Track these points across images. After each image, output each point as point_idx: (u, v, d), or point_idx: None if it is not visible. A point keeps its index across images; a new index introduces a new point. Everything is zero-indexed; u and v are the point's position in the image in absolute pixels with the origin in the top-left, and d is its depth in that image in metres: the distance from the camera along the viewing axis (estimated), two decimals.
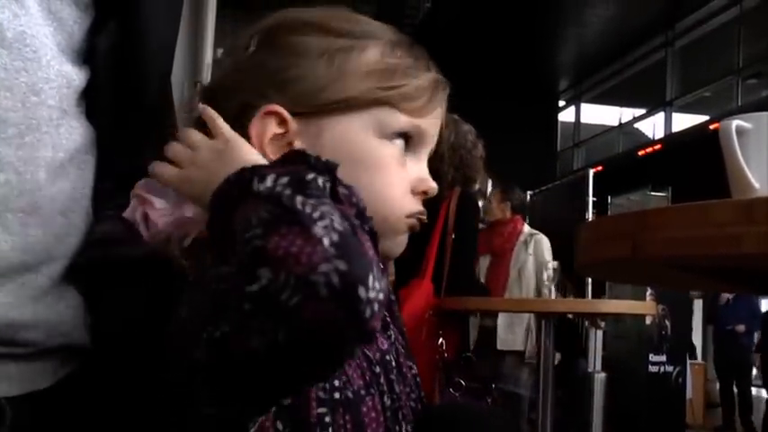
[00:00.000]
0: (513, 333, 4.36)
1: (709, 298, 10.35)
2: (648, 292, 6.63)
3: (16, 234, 0.70)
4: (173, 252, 0.75)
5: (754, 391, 9.53)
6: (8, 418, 0.72)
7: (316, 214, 0.58)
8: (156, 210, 0.77)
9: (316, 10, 0.85)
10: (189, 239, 0.75)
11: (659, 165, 10.99)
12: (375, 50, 0.82)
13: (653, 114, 13.84)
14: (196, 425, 0.67)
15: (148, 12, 0.83)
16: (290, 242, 0.57)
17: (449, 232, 2.99)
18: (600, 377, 5.51)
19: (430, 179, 0.85)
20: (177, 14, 0.90)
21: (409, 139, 0.83)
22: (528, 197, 10.51)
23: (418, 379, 0.89)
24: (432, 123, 0.85)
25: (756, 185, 0.81)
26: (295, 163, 0.66)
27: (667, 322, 7.31)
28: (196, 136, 0.77)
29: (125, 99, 0.83)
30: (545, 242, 4.68)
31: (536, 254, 4.58)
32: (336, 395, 0.74)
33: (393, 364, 0.83)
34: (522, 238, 4.69)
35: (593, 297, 6.77)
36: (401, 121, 0.82)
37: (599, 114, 15.61)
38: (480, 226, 4.09)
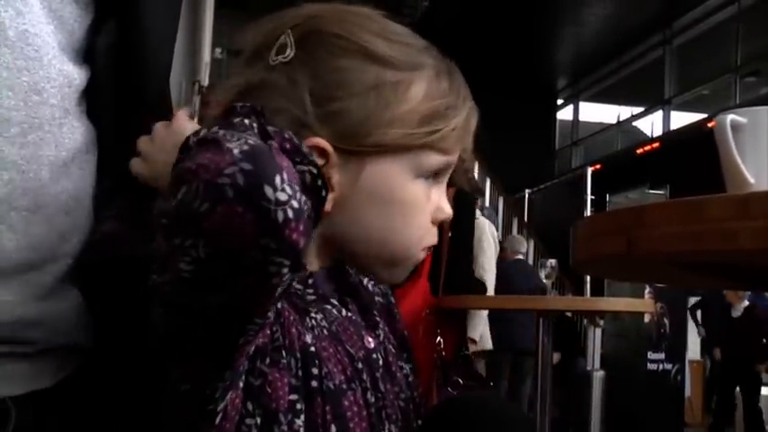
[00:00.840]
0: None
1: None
2: (647, 289, 6.64)
3: (21, 232, 0.71)
4: None
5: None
6: (12, 418, 0.72)
7: (232, 136, 0.60)
8: None
9: (348, 12, 0.83)
10: None
11: (657, 163, 11.00)
12: (421, 86, 0.80)
13: (651, 112, 13.84)
14: (176, 405, 0.69)
15: (148, 10, 0.84)
16: (203, 157, 0.59)
17: (445, 230, 2.98)
18: (598, 375, 5.52)
19: (447, 206, 0.85)
20: (176, 12, 0.90)
21: (438, 172, 0.83)
22: (526, 195, 10.50)
23: (410, 379, 0.89)
24: (458, 152, 0.84)
25: (752, 180, 0.81)
26: (226, 117, 0.69)
27: (666, 320, 7.32)
28: (157, 127, 0.79)
29: (125, 98, 0.83)
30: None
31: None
32: (313, 383, 0.75)
33: (380, 362, 0.83)
34: None
35: (592, 295, 6.78)
36: (437, 161, 0.81)
37: (597, 112, 15.61)
38: None
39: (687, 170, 7.88)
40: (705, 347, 9.00)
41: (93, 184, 0.80)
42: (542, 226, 9.34)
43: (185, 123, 0.78)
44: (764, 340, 7.72)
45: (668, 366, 7.33)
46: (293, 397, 0.73)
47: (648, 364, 7.31)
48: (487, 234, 4.69)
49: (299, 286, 0.80)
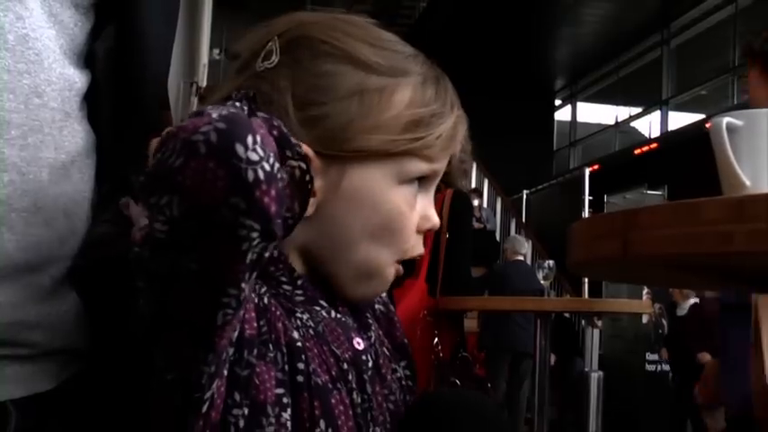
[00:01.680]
0: None
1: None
2: (645, 290, 6.65)
3: (20, 234, 0.71)
4: None
5: None
6: (13, 421, 0.72)
7: (217, 108, 0.62)
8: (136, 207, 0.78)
9: (336, 19, 0.83)
10: None
11: (655, 163, 11.00)
12: (405, 93, 0.80)
13: (649, 113, 13.86)
14: (162, 396, 0.69)
15: (146, 15, 0.84)
16: (187, 122, 0.61)
17: (443, 232, 2.99)
18: (596, 376, 5.52)
19: (434, 216, 0.85)
20: (174, 17, 0.91)
21: (423, 179, 0.83)
22: (524, 196, 10.51)
23: (404, 383, 0.88)
24: (445, 160, 0.84)
25: (747, 183, 0.81)
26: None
27: (664, 321, 7.32)
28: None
29: (123, 103, 0.84)
30: None
31: None
32: (299, 378, 0.75)
33: (370, 364, 0.83)
34: None
35: (590, 296, 6.78)
36: (421, 168, 0.81)
37: (595, 113, 15.63)
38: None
39: (685, 171, 7.88)
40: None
41: (92, 188, 0.80)
42: (540, 227, 9.36)
43: None
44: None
45: (666, 367, 7.33)
46: (279, 391, 0.73)
47: (647, 365, 7.32)
48: None
49: (287, 287, 0.80)
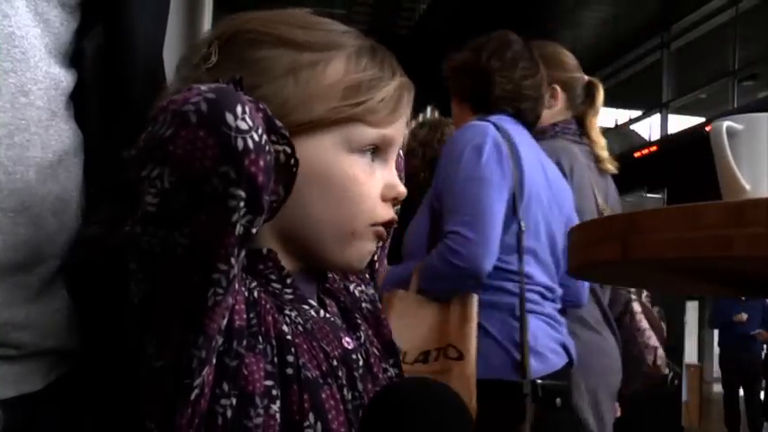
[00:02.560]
0: None
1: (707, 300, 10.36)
2: (644, 293, 6.65)
3: (7, 233, 0.71)
4: None
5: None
6: (1, 421, 0.72)
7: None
8: None
9: (274, 13, 0.85)
10: None
11: (655, 167, 11.01)
12: (340, 63, 0.82)
13: (649, 116, 13.86)
14: (152, 384, 0.69)
15: (134, 13, 0.84)
16: (177, 95, 0.64)
17: None
18: None
19: (399, 184, 0.86)
20: (164, 16, 0.91)
21: (377, 148, 0.84)
22: None
23: (395, 381, 0.88)
24: (398, 128, 0.86)
25: (747, 187, 0.81)
26: None
27: (663, 324, 7.32)
28: None
29: (112, 102, 0.83)
30: None
31: None
32: (289, 371, 0.75)
33: (360, 363, 0.83)
34: None
35: None
36: (369, 134, 0.83)
37: None
38: None
39: (685, 174, 7.88)
40: None
41: (79, 188, 0.80)
42: None
43: None
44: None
45: (665, 370, 7.33)
46: (269, 383, 0.74)
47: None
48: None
49: (277, 285, 0.81)
